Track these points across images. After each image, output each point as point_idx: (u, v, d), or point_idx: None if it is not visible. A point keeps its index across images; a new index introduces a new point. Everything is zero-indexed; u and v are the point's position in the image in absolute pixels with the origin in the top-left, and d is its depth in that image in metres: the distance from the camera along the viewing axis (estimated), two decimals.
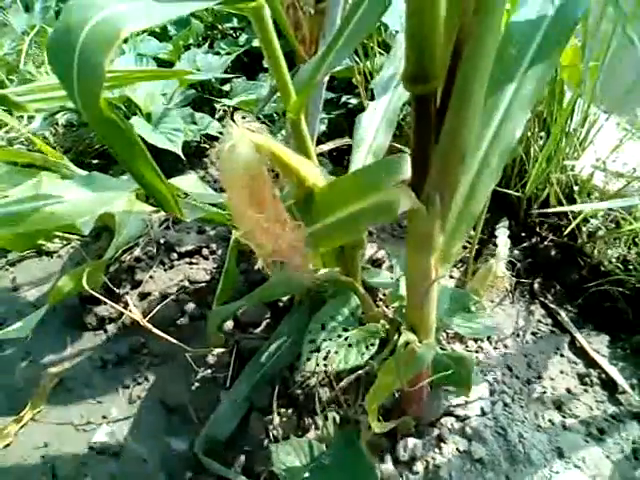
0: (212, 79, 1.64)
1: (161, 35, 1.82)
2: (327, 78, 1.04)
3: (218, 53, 1.71)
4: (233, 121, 0.46)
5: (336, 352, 0.90)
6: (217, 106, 1.67)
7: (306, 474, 0.82)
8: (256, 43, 1.78)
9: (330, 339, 0.92)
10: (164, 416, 1.03)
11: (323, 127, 1.44)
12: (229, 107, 1.63)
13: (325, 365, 0.89)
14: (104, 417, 1.03)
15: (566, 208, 1.20)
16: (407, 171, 0.51)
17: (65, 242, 1.35)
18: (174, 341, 0.91)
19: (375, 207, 0.52)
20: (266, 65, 1.73)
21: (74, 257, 1.31)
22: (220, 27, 1.91)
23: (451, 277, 1.27)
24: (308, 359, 0.90)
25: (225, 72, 1.70)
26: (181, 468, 0.97)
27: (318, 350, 0.91)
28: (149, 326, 0.88)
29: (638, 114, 1.20)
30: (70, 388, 1.08)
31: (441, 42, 0.40)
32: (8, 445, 1.00)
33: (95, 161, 1.67)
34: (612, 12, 1.05)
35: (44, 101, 0.81)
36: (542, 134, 1.31)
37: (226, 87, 1.67)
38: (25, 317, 0.90)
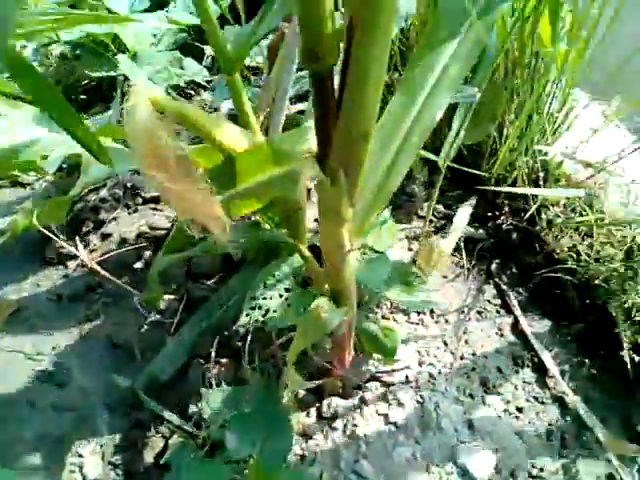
0: None
1: None
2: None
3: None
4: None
5: (274, 311, 0.94)
6: (207, 52, 1.66)
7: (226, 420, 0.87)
8: None
9: (271, 297, 0.95)
10: (110, 353, 1.07)
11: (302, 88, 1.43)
12: None
13: (263, 322, 0.93)
14: (54, 348, 1.08)
15: (514, 189, 1.21)
16: (312, 143, 0.52)
17: (40, 176, 1.37)
18: (121, 284, 0.94)
19: (281, 176, 0.54)
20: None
21: (45, 192, 1.34)
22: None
23: (410, 250, 1.29)
24: (247, 315, 0.93)
25: (221, 18, 1.67)
26: (121, 403, 1.02)
27: (258, 307, 0.94)
28: (97, 268, 0.91)
29: (621, 100, 1.19)
30: (25, 318, 1.12)
31: (328, 20, 0.41)
32: None
33: (83, 96, 1.67)
34: None
35: None
36: (520, 117, 1.31)
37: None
38: None
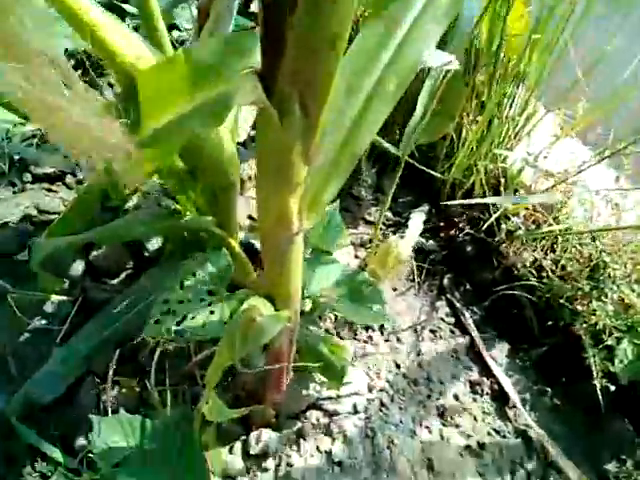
0: None
1: None
2: None
3: None
4: None
5: (193, 318, 0.74)
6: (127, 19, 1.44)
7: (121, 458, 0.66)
8: None
9: (189, 301, 0.76)
10: None
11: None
12: None
13: (177, 332, 0.73)
14: None
15: (484, 200, 1.09)
16: (255, 55, 0.35)
17: None
18: None
19: (208, 103, 0.36)
20: None
21: None
22: None
23: (356, 257, 1.14)
24: (156, 322, 0.74)
25: None
26: None
27: (172, 312, 0.75)
28: None
29: (580, 111, 1.11)
30: None
31: None
32: None
33: None
34: None
35: None
36: (479, 118, 1.20)
37: None
38: None
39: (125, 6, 1.29)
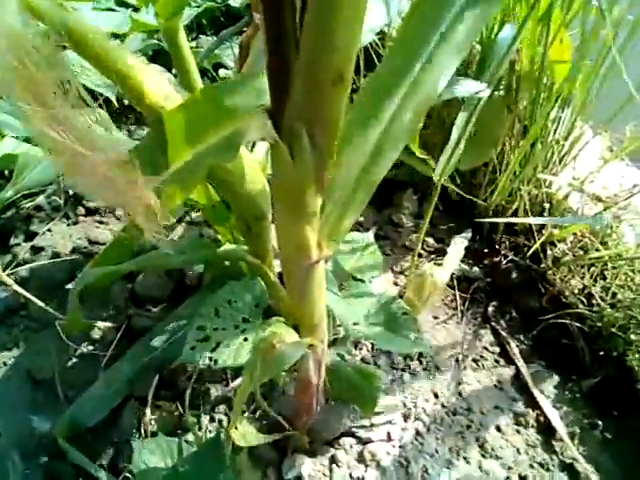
0: None
1: None
2: None
3: (189, 4, 1.56)
4: None
5: (227, 345, 0.76)
6: None
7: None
8: (235, 3, 1.64)
9: (224, 328, 0.78)
10: (29, 389, 0.88)
11: None
12: None
13: (211, 359, 0.75)
14: None
15: (527, 220, 1.06)
16: (263, 92, 0.37)
17: None
18: (46, 307, 0.77)
19: (223, 140, 0.38)
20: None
21: None
22: None
23: (395, 284, 1.13)
24: (192, 348, 0.76)
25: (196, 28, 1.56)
26: (38, 449, 0.84)
27: (207, 339, 0.77)
28: (17, 287, 0.73)
29: (628, 133, 1.07)
30: None
31: None
32: None
33: None
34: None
35: None
36: (522, 143, 1.18)
37: (192, 43, 1.53)
38: None
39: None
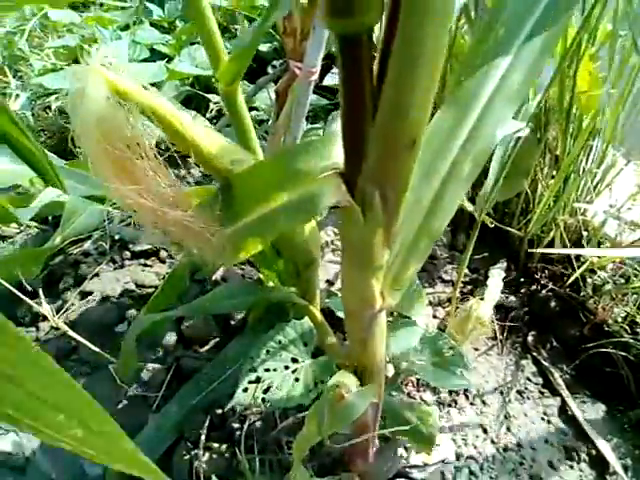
0: (212, 78, 1.55)
1: (165, 28, 1.75)
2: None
3: None
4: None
5: (279, 386, 0.77)
6: (211, 104, 1.57)
7: None
8: (264, 48, 1.69)
9: (274, 369, 0.79)
10: None
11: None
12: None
13: (264, 400, 0.76)
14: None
15: (569, 251, 1.06)
16: (337, 156, 0.39)
17: (23, 228, 1.24)
18: (97, 350, 0.79)
19: (295, 202, 0.40)
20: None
21: (26, 244, 1.20)
22: (232, 29, 1.83)
23: (435, 317, 1.13)
24: (245, 390, 0.77)
25: None
26: None
27: (258, 380, 0.78)
28: (69, 331, 0.75)
29: None
30: None
31: None
32: None
33: (79, 149, 1.58)
34: None
35: None
36: (554, 172, 1.19)
37: None
38: None
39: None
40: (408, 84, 0.33)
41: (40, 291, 0.94)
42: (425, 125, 0.37)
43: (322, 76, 1.53)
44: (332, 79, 1.42)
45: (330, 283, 1.12)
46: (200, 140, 0.44)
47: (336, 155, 0.39)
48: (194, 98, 1.56)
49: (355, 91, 0.34)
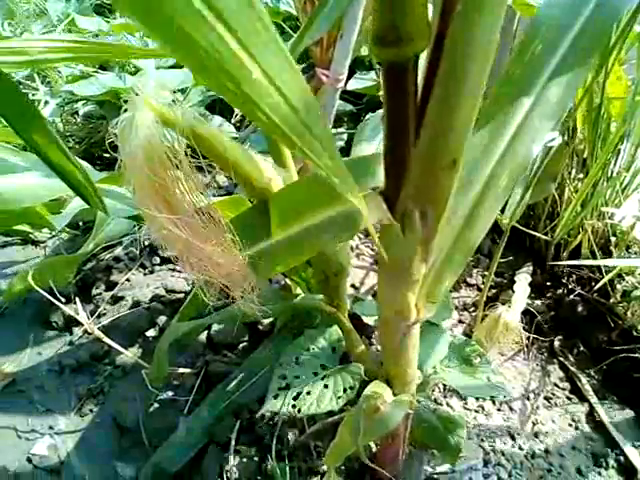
0: None
1: None
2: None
3: None
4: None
5: (308, 393, 0.78)
6: (237, 110, 1.59)
7: None
8: None
9: (304, 376, 0.80)
10: (114, 436, 0.91)
11: (340, 143, 1.33)
12: None
13: (294, 406, 0.77)
14: (50, 427, 0.93)
15: (599, 262, 1.05)
16: (378, 175, 0.39)
17: (54, 233, 1.27)
18: (129, 354, 0.80)
19: (335, 220, 0.40)
20: None
21: (57, 250, 1.23)
22: None
23: (460, 322, 1.13)
24: (275, 397, 0.78)
25: None
26: None
27: (288, 387, 0.79)
28: (101, 335, 0.77)
29: None
30: (21, 389, 0.98)
31: None
32: None
33: (107, 155, 1.61)
34: None
35: None
36: (581, 176, 1.18)
37: None
38: None
39: None
40: (452, 108, 0.34)
41: (76, 298, 0.96)
42: (464, 145, 0.37)
43: (346, 81, 1.53)
44: (356, 83, 1.42)
45: (355, 288, 1.13)
46: (241, 164, 0.45)
47: (375, 174, 0.40)
48: (219, 103, 1.58)
49: (399, 115, 0.34)
